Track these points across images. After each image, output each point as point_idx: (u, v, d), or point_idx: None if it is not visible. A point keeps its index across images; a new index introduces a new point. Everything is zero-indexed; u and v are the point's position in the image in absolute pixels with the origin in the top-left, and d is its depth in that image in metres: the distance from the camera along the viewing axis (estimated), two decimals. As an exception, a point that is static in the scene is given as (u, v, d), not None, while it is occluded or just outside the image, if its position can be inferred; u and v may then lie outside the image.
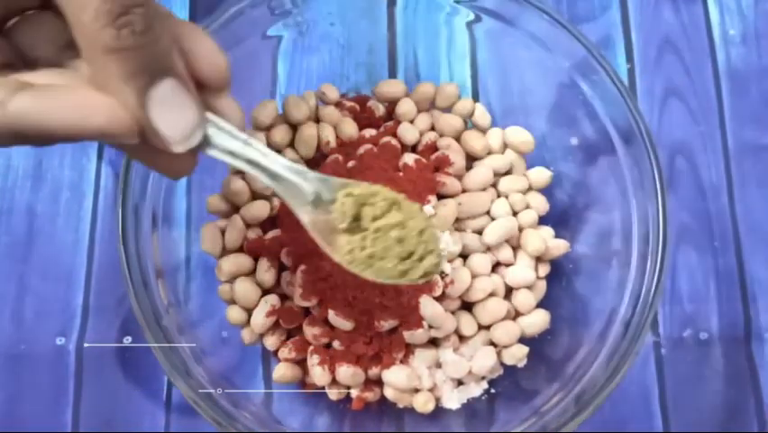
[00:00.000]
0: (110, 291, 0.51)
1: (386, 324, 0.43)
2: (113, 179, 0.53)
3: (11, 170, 0.53)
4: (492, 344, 0.46)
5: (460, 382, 0.46)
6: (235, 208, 0.47)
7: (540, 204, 0.49)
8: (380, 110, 0.50)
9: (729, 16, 0.59)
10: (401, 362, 0.44)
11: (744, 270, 0.53)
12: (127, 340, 0.49)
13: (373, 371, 0.44)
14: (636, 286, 0.42)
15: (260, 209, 0.46)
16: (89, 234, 0.52)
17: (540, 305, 0.47)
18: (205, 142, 0.28)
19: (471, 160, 0.49)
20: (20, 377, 0.49)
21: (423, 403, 0.44)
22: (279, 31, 0.48)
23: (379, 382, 0.45)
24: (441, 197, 0.47)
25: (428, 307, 0.43)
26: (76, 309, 0.50)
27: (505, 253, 0.47)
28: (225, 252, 0.46)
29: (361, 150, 0.48)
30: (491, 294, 0.45)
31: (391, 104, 0.51)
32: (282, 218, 0.46)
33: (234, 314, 0.45)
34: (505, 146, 0.50)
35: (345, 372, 0.43)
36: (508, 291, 0.47)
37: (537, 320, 0.46)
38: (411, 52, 0.53)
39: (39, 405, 0.49)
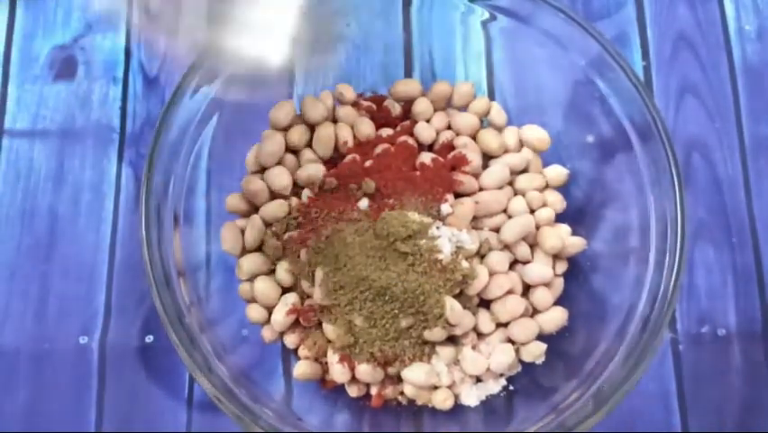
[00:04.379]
0: (131, 291, 0.51)
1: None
2: (133, 180, 0.53)
3: (32, 172, 0.54)
4: (510, 341, 0.46)
5: (478, 380, 0.46)
6: (255, 208, 0.47)
7: (557, 201, 0.49)
8: (397, 109, 0.51)
9: (745, 12, 0.59)
10: (420, 359, 0.44)
11: (761, 265, 0.52)
12: (149, 339, 0.50)
13: (393, 368, 0.44)
14: (654, 283, 0.42)
15: (279, 209, 0.46)
16: (110, 234, 0.52)
17: (557, 302, 0.47)
18: None
19: (488, 158, 0.49)
20: (43, 376, 0.50)
21: (442, 400, 0.44)
22: (296, 32, 0.48)
23: (398, 380, 0.45)
24: (458, 195, 0.47)
25: (447, 304, 0.43)
26: (98, 309, 0.51)
27: (522, 251, 0.47)
28: (245, 251, 0.47)
29: (378, 149, 0.48)
30: (509, 292, 0.45)
31: (407, 103, 0.51)
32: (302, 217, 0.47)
33: (254, 313, 0.46)
34: (521, 144, 0.50)
35: (365, 369, 0.43)
36: (526, 289, 0.47)
37: (555, 317, 0.46)
38: (427, 52, 0.53)
39: (62, 404, 0.49)
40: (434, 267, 0.42)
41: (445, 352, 0.44)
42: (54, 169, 0.54)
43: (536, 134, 0.49)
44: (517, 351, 0.46)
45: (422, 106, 0.50)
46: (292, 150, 0.48)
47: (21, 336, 0.50)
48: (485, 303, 0.46)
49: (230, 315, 0.47)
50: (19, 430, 0.49)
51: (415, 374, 0.44)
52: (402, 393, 0.46)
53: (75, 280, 0.51)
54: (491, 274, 0.45)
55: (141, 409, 0.49)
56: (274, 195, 0.47)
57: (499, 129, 0.50)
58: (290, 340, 0.46)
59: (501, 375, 0.46)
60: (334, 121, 0.50)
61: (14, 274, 0.52)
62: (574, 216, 0.49)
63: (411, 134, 0.49)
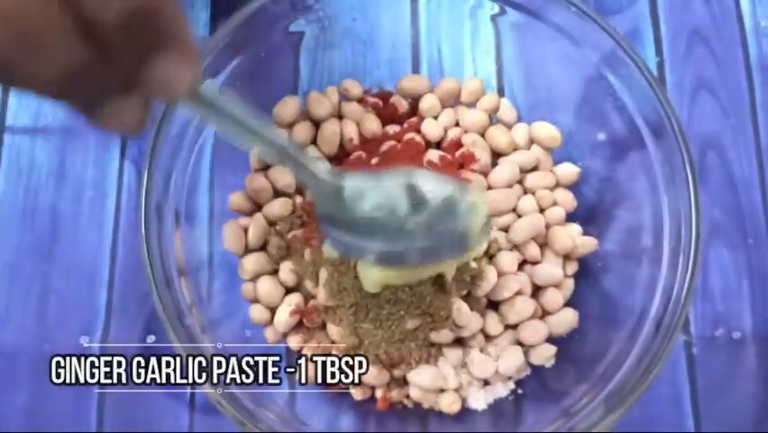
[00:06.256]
0: (133, 290, 0.50)
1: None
2: (135, 177, 0.53)
3: (34, 170, 0.53)
4: (519, 343, 0.45)
5: (486, 383, 0.45)
6: (258, 206, 0.47)
7: (567, 200, 0.48)
8: (404, 106, 0.50)
9: (761, 7, 0.58)
10: (427, 362, 0.44)
11: (778, 267, 0.52)
12: (150, 339, 0.49)
13: (398, 371, 0.44)
14: (668, 284, 0.41)
15: (283, 207, 0.46)
16: (112, 232, 0.52)
17: (568, 304, 0.46)
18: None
19: (497, 156, 0.49)
20: (44, 376, 0.49)
21: (448, 404, 0.44)
22: (301, 26, 0.48)
23: (404, 382, 0.45)
24: (466, 194, 0.46)
25: (454, 306, 0.42)
26: (99, 309, 0.50)
27: (532, 251, 0.46)
28: (248, 250, 0.46)
29: (385, 147, 0.47)
30: (518, 293, 0.45)
31: (415, 99, 0.50)
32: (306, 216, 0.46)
33: (257, 313, 0.45)
34: (531, 142, 0.49)
35: (370, 371, 0.43)
36: (536, 290, 0.46)
37: (565, 319, 0.45)
38: (435, 47, 0.53)
39: (63, 404, 0.49)
40: (441, 267, 0.42)
41: (452, 354, 0.44)
42: (56, 166, 0.53)
43: (547, 132, 0.48)
44: (526, 353, 0.45)
45: (429, 103, 0.49)
46: (296, 147, 0.48)
47: (21, 336, 0.50)
48: (493, 304, 0.46)
49: (232, 315, 0.46)
50: (19, 430, 0.48)
51: (421, 377, 0.43)
52: (408, 396, 0.45)
53: (76, 279, 0.51)
54: (500, 275, 0.45)
55: (142, 411, 0.48)
56: (278, 193, 0.47)
57: (509, 126, 0.50)
58: (294, 341, 0.45)
59: (510, 378, 0.45)
60: (340, 117, 0.49)
61: (15, 273, 0.51)
62: (585, 216, 0.49)
63: (418, 132, 0.49)
